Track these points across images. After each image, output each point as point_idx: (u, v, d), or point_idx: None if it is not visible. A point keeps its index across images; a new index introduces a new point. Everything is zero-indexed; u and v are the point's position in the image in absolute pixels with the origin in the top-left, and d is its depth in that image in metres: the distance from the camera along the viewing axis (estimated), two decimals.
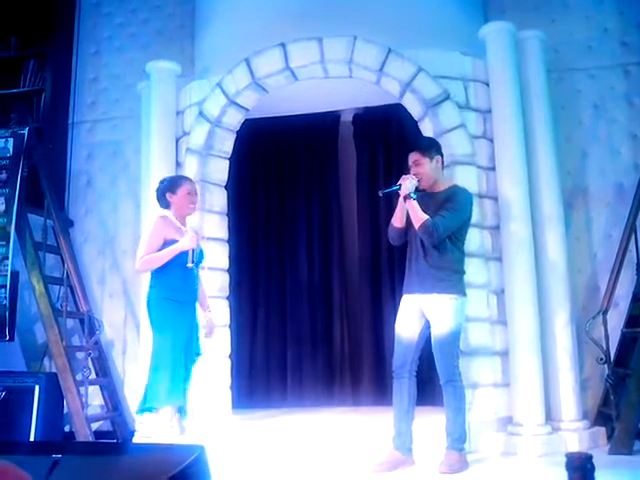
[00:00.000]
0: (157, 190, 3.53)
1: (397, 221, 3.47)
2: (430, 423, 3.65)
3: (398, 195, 3.39)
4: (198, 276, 3.48)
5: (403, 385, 3.38)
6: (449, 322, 3.30)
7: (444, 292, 3.31)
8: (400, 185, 3.34)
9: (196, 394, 3.82)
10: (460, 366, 3.39)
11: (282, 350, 5.12)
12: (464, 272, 3.46)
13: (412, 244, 3.45)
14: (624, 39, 4.71)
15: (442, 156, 3.53)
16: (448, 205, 3.33)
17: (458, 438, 3.29)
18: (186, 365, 3.30)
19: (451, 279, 3.34)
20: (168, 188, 3.47)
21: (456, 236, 3.38)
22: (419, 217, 3.29)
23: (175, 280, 3.33)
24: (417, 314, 3.39)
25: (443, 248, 3.33)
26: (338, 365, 5.09)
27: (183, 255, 3.31)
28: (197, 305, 3.49)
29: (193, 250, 3.32)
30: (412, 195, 3.31)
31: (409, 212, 3.34)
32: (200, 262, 3.50)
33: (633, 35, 4.70)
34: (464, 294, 3.40)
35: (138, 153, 4.82)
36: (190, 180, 3.61)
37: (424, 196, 3.44)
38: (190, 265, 3.30)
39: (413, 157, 3.45)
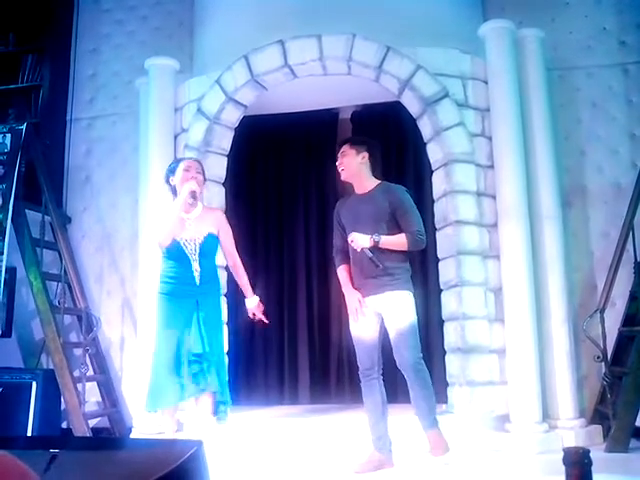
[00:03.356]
0: (164, 180, 3.47)
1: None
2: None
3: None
4: (210, 267, 3.32)
5: (374, 386, 3.35)
6: (410, 315, 3.26)
7: (399, 289, 3.27)
8: (368, 249, 3.24)
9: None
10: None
11: (280, 347, 5.11)
12: (409, 267, 3.40)
13: (357, 250, 3.38)
14: (623, 38, 4.72)
15: (371, 157, 3.46)
16: (400, 211, 3.31)
17: (434, 418, 3.26)
18: (186, 366, 3.13)
19: (403, 276, 3.30)
20: (169, 172, 3.42)
21: (399, 230, 3.33)
22: (402, 243, 3.28)
23: (171, 274, 3.25)
24: (371, 314, 3.34)
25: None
26: (336, 362, 5.08)
27: (179, 248, 3.24)
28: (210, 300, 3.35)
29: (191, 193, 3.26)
30: (374, 239, 3.24)
31: (389, 248, 3.27)
32: (211, 252, 3.35)
33: (632, 34, 4.70)
34: (412, 290, 3.35)
35: (136, 150, 4.82)
36: (188, 159, 3.55)
37: (354, 200, 3.44)
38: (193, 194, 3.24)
39: (341, 149, 3.48)
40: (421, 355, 3.27)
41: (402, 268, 3.32)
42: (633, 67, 4.67)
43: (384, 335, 3.34)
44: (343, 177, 3.48)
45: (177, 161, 3.51)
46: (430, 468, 3.26)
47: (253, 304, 3.48)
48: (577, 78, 4.72)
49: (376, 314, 3.35)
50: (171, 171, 3.41)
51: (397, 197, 3.36)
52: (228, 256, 3.48)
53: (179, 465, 1.46)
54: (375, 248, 3.25)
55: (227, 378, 3.38)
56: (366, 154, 3.45)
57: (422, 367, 3.25)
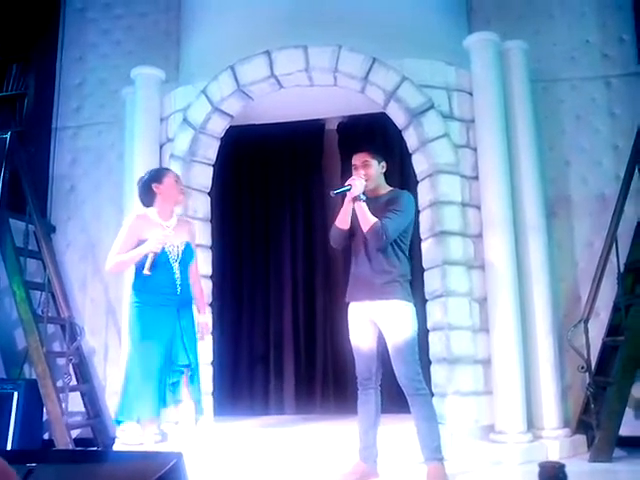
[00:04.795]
0: (141, 183, 3.32)
1: (342, 223, 3.37)
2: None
3: (344, 196, 3.33)
4: (186, 277, 3.28)
5: (370, 397, 3.31)
6: (407, 328, 3.21)
7: (395, 298, 3.23)
8: (350, 186, 3.27)
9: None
10: (422, 373, 3.26)
11: (265, 357, 5.10)
12: (410, 277, 3.37)
13: (356, 249, 3.38)
14: (605, 51, 4.78)
15: (387, 164, 3.51)
16: (392, 207, 3.28)
17: (436, 447, 3.19)
18: (167, 376, 3.12)
19: (399, 284, 3.25)
20: (154, 178, 3.28)
21: (401, 239, 3.31)
22: (368, 220, 3.23)
23: (152, 282, 3.15)
24: (369, 322, 3.31)
25: (388, 252, 3.27)
26: (321, 372, 5.08)
27: (163, 255, 3.17)
28: (194, 309, 3.33)
29: (155, 254, 3.11)
30: (361, 197, 3.26)
31: (358, 214, 3.28)
32: (189, 261, 3.31)
33: (614, 47, 4.77)
34: (412, 300, 3.32)
35: (122, 159, 4.80)
36: (172, 170, 3.48)
37: (367, 201, 3.39)
38: (147, 272, 3.09)
39: (362, 158, 3.42)
40: (420, 371, 3.22)
41: (398, 276, 3.26)
42: (616, 80, 4.73)
43: (383, 346, 3.29)
44: (365, 188, 3.34)
45: (163, 169, 3.46)
46: (414, 479, 3.25)
47: (204, 319, 3.49)
48: (561, 90, 4.78)
49: (372, 323, 3.30)
50: (157, 178, 3.30)
51: (396, 196, 3.37)
52: (193, 271, 3.42)
53: (158, 478, 1.45)
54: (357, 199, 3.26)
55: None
56: (384, 163, 3.48)
57: (421, 385, 3.20)
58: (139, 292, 3.20)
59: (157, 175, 3.33)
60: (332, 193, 3.38)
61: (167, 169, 3.47)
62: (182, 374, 3.17)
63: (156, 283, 3.17)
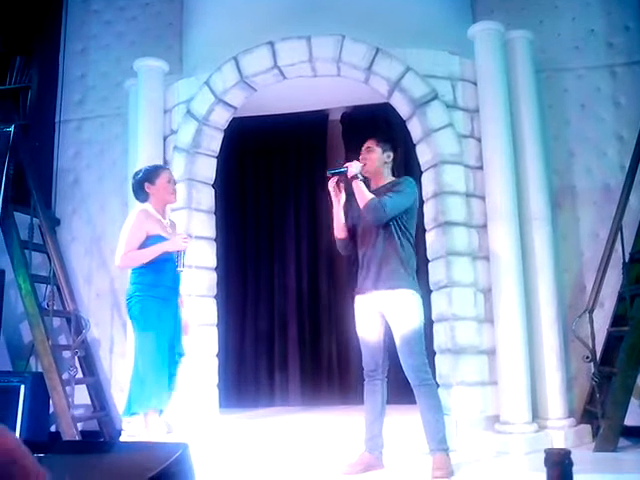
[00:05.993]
0: (133, 182, 3.39)
1: (339, 232, 3.40)
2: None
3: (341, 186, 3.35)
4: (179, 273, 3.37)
5: (376, 388, 3.32)
6: (414, 319, 3.20)
7: (402, 288, 3.23)
8: (347, 167, 3.28)
9: (183, 393, 3.81)
10: (429, 363, 3.28)
11: (270, 349, 5.11)
12: (416, 268, 3.37)
13: (363, 244, 3.38)
14: (610, 40, 4.74)
15: (395, 155, 3.49)
16: (392, 189, 3.29)
17: (442, 438, 3.20)
18: (169, 366, 3.19)
19: (407, 274, 3.26)
20: (145, 178, 3.34)
21: (405, 226, 3.30)
22: (365, 196, 3.23)
23: (159, 276, 3.22)
24: (376, 313, 3.31)
25: (393, 242, 3.26)
26: (326, 364, 5.09)
27: (171, 252, 3.24)
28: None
29: (183, 253, 3.22)
30: (358, 175, 3.26)
31: (355, 193, 3.28)
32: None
33: (619, 36, 4.73)
34: (419, 291, 3.32)
35: (125, 151, 4.80)
36: (167, 168, 3.51)
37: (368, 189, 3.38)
38: (181, 269, 3.21)
39: (367, 144, 3.44)
40: (426, 361, 3.22)
41: (405, 265, 3.26)
42: (621, 69, 4.69)
43: (390, 337, 3.29)
44: (364, 171, 3.36)
45: (156, 168, 3.48)
46: (419, 470, 3.26)
47: (185, 316, 3.49)
48: (565, 79, 4.75)
49: (380, 314, 3.30)
50: (148, 178, 3.34)
51: (397, 182, 3.37)
52: None
53: (165, 468, 1.45)
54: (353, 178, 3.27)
55: None
56: (391, 154, 3.46)
57: (427, 376, 3.21)
58: (149, 286, 3.22)
59: (149, 175, 3.37)
60: (328, 173, 3.36)
61: (162, 168, 3.48)
62: (179, 364, 3.27)
63: (166, 278, 3.25)
